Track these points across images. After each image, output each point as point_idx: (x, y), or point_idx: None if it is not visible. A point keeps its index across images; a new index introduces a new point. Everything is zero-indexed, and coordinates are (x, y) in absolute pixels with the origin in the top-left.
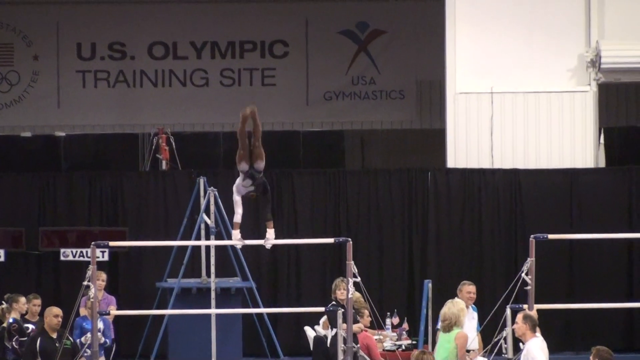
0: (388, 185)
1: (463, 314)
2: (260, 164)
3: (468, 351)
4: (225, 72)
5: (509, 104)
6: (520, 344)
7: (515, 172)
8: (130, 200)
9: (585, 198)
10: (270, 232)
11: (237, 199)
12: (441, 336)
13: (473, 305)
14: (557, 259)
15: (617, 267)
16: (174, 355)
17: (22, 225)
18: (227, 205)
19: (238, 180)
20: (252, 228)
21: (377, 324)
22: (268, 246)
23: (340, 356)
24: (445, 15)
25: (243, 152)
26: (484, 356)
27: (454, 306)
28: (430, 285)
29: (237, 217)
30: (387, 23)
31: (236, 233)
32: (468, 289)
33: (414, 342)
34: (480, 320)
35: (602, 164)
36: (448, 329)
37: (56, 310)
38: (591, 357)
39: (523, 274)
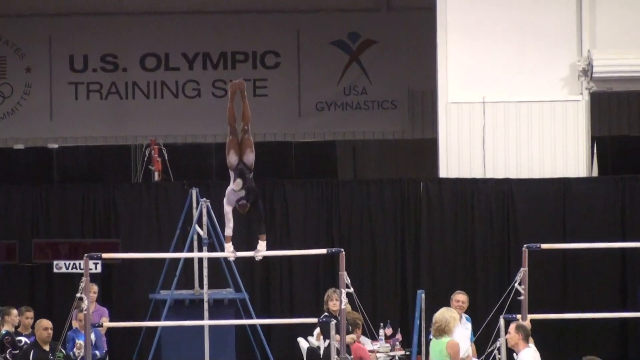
0: (380, 196)
1: (454, 322)
2: (250, 156)
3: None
4: (217, 83)
5: (501, 114)
6: (514, 354)
7: (507, 181)
8: (123, 211)
9: (578, 207)
10: (262, 244)
11: (228, 210)
12: (432, 343)
13: (467, 316)
14: (551, 268)
15: (610, 276)
16: None
17: (15, 238)
18: (219, 216)
19: (229, 188)
20: (244, 240)
21: (370, 335)
22: (258, 258)
23: None
24: (437, 25)
25: (232, 139)
26: None
27: (447, 312)
28: (423, 295)
29: (229, 230)
30: (378, 33)
31: (228, 246)
32: (457, 297)
33: (407, 353)
34: (474, 330)
35: (594, 173)
36: (438, 333)
37: (45, 322)
38: None
39: (516, 284)
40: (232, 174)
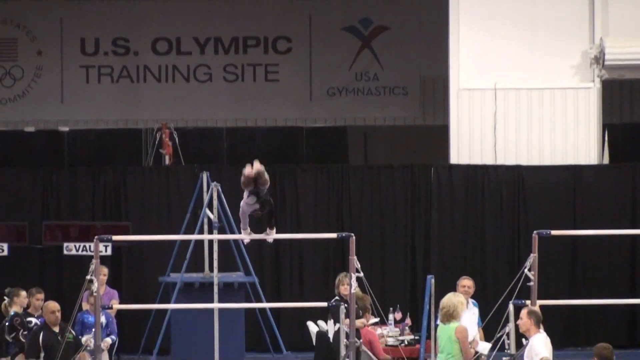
0: (391, 181)
1: (461, 307)
2: (265, 186)
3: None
4: (228, 67)
5: (513, 101)
6: (523, 340)
7: (518, 168)
8: (133, 195)
9: (588, 195)
10: (271, 232)
11: (242, 213)
12: (440, 328)
13: (474, 301)
14: (560, 255)
15: (620, 263)
16: (177, 350)
17: (25, 220)
18: (230, 200)
19: (243, 201)
20: (256, 229)
21: (379, 319)
22: (270, 240)
23: (343, 351)
24: (449, 12)
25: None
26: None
27: (454, 297)
28: (432, 280)
29: (244, 226)
30: (390, 19)
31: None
32: (463, 282)
33: (416, 338)
34: (483, 315)
35: (605, 160)
36: (446, 319)
37: (52, 305)
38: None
39: (526, 270)
40: (245, 192)
